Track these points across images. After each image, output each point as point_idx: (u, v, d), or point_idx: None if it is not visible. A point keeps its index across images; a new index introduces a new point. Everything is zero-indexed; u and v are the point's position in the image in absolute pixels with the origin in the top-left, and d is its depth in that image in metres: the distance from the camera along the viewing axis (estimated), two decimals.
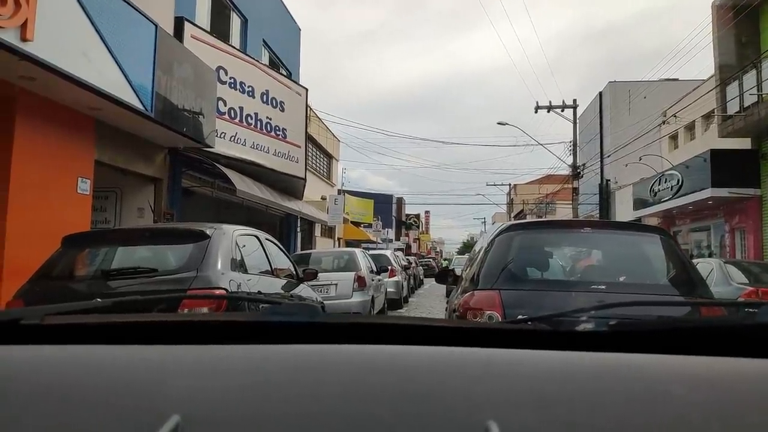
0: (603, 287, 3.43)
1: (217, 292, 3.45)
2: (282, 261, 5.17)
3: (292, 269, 5.40)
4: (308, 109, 15.56)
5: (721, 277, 7.51)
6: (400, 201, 50.37)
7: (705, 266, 8.32)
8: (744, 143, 14.62)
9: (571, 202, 24.01)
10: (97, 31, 6.21)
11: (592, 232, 4.13)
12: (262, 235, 4.89)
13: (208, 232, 3.84)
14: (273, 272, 4.75)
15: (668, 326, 0.88)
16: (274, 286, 4.66)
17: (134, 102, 6.99)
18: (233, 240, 4.04)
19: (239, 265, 4.03)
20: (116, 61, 6.58)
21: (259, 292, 3.97)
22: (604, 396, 0.66)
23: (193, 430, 0.61)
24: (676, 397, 0.66)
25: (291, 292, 5.01)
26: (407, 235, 55.04)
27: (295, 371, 0.71)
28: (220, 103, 10.53)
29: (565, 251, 4.54)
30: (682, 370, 0.72)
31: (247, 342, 0.79)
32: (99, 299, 3.36)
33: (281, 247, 5.30)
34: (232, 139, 11.03)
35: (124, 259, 4.03)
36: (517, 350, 0.77)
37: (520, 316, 3.01)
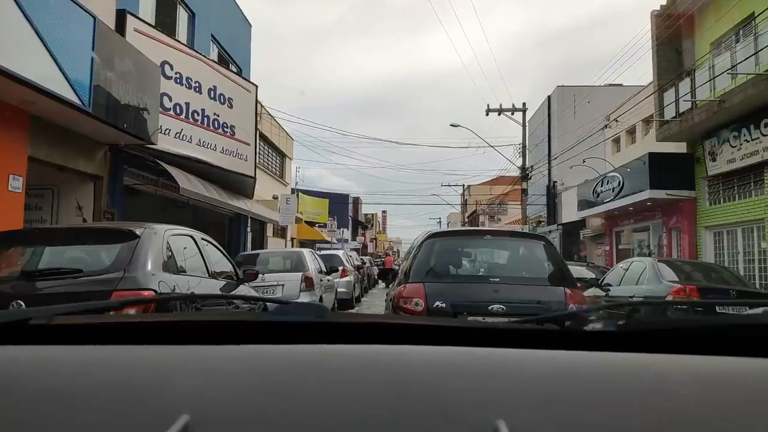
0: (497, 280, 4.58)
1: (146, 293, 3.35)
2: (221, 262, 5.09)
3: (233, 270, 5.32)
4: (259, 106, 15.35)
5: (653, 275, 7.84)
6: (356, 201, 50.17)
7: (639, 265, 8.68)
8: (680, 147, 15.33)
9: (520, 203, 24.59)
10: (29, 21, 5.96)
11: (492, 239, 5.47)
12: (198, 234, 4.79)
13: (137, 232, 3.71)
14: (210, 273, 4.66)
15: (673, 326, 0.88)
16: (212, 287, 4.57)
17: (70, 96, 6.75)
18: (165, 240, 3.94)
19: (172, 266, 3.94)
20: (51, 54, 6.34)
21: (193, 293, 3.87)
22: (612, 395, 0.67)
23: (202, 429, 0.61)
24: (681, 395, 0.66)
25: (230, 293, 4.93)
26: (364, 234, 54.97)
27: (300, 371, 0.71)
28: (165, 98, 10.26)
29: (473, 253, 5.60)
30: (688, 369, 0.73)
31: (253, 342, 0.79)
32: (20, 301, 3.25)
33: (219, 247, 5.22)
34: (177, 135, 10.76)
35: (48, 259, 3.85)
36: (523, 350, 0.78)
37: (437, 303, 4.31)
